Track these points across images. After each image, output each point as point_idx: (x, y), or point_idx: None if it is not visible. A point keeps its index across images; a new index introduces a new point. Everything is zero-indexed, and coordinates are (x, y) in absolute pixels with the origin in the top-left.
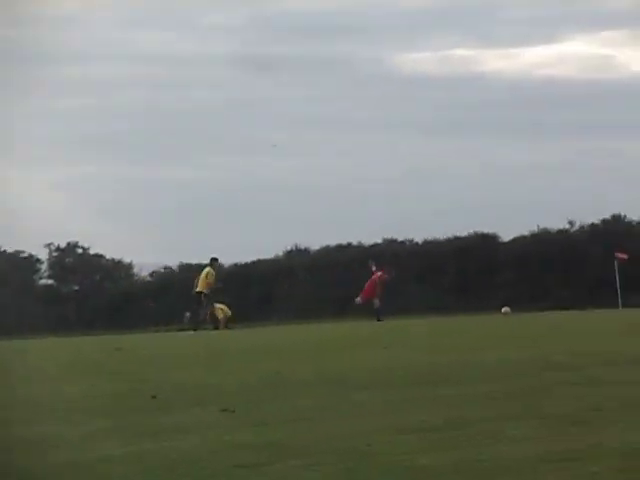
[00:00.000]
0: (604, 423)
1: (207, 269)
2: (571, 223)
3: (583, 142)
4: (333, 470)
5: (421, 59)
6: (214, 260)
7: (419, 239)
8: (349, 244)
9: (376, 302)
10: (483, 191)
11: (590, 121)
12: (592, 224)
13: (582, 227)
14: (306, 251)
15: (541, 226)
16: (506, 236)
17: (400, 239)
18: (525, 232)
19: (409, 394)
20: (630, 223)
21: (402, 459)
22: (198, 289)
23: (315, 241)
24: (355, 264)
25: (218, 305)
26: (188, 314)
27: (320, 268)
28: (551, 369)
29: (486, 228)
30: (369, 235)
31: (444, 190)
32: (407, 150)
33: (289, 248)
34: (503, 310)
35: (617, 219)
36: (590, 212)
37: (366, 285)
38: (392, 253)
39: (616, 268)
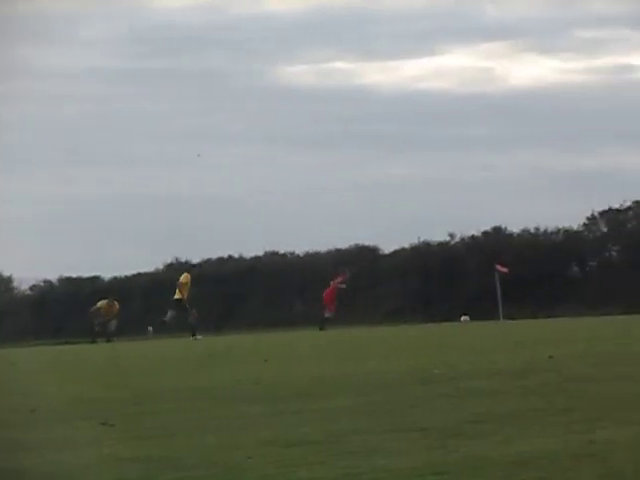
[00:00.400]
0: (483, 435)
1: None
2: (451, 235)
3: (460, 155)
4: None
5: (300, 72)
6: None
7: (300, 251)
8: (230, 257)
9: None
10: (364, 204)
11: (466, 134)
12: (472, 236)
13: (462, 239)
14: (186, 264)
15: (422, 238)
16: (387, 248)
17: (281, 252)
18: (405, 244)
19: (290, 407)
20: (510, 235)
21: (282, 472)
22: (177, 296)
23: (196, 254)
24: (236, 277)
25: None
26: (150, 328)
27: (200, 281)
28: (430, 381)
29: (367, 240)
30: (250, 248)
31: (324, 202)
32: (286, 163)
33: (169, 261)
34: (462, 319)
35: (497, 231)
36: (470, 224)
37: (325, 294)
38: (273, 265)
39: (497, 280)
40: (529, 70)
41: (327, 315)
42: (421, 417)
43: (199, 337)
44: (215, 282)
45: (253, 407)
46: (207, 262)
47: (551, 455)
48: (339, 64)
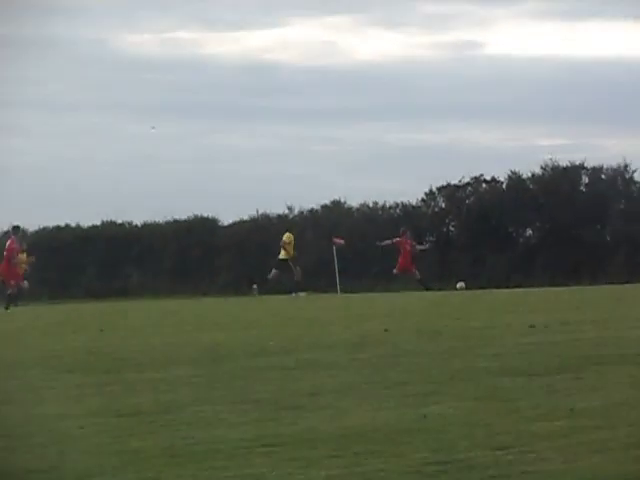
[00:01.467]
0: (317, 408)
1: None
2: (290, 208)
3: (302, 128)
4: (42, 452)
5: (142, 41)
6: (16, 228)
7: (138, 221)
8: (67, 225)
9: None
10: (203, 174)
11: (309, 107)
12: (311, 209)
13: (301, 212)
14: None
15: (260, 211)
16: (226, 220)
17: (119, 221)
18: (245, 216)
19: (124, 377)
20: (350, 209)
21: (114, 442)
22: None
23: (32, 222)
24: (73, 246)
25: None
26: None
27: (37, 250)
28: (265, 353)
29: (206, 212)
30: (87, 217)
31: (164, 172)
32: (129, 133)
33: (5, 229)
34: (458, 285)
35: (336, 204)
36: (309, 197)
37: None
38: (110, 236)
39: (334, 253)
40: (374, 44)
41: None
42: (256, 389)
43: (301, 294)
44: (51, 251)
45: (87, 377)
46: (43, 230)
47: (385, 428)
48: (182, 34)
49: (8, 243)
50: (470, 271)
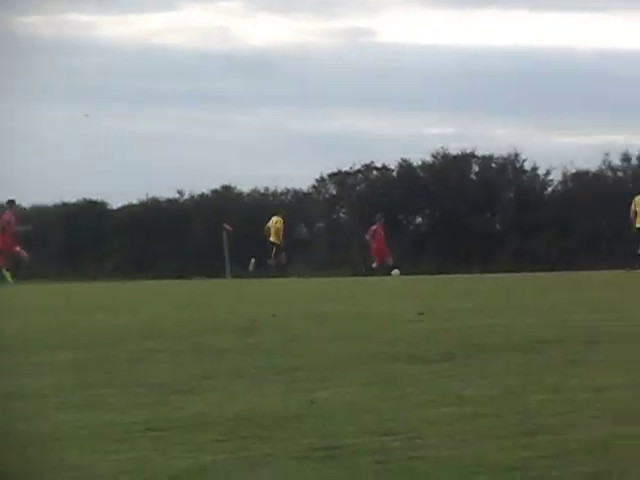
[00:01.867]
0: (207, 392)
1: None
2: (180, 192)
3: (193, 113)
4: None
5: (34, 23)
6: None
7: (27, 204)
8: None
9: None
10: (93, 157)
11: (201, 92)
12: (202, 194)
13: (192, 197)
14: None
15: (150, 195)
16: (115, 204)
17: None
18: (134, 200)
19: (10, 360)
20: (240, 194)
21: None
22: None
23: None
24: None
25: None
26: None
27: None
28: (155, 337)
29: (95, 195)
30: None
31: (53, 156)
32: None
33: None
34: (393, 272)
35: (227, 189)
36: (200, 182)
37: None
38: None
39: (224, 238)
40: (266, 30)
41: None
42: (146, 373)
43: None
44: None
45: None
46: None
47: (273, 413)
48: (74, 16)
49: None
50: (360, 258)
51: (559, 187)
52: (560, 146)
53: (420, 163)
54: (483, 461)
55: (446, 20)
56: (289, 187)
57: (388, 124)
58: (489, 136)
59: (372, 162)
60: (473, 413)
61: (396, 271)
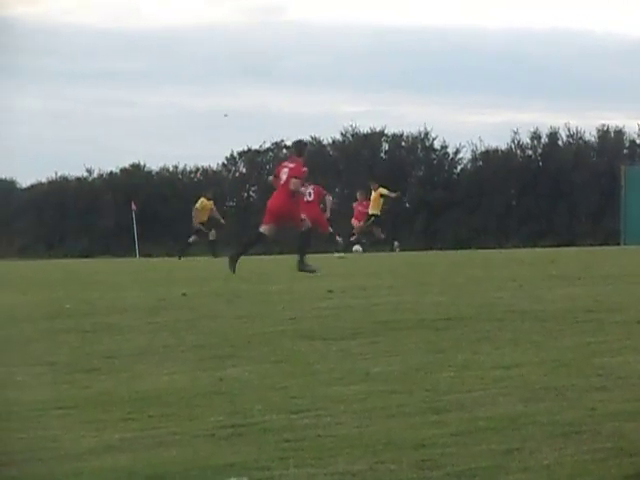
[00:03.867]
0: (113, 371)
1: None
2: (89, 171)
3: (102, 91)
4: None
5: None
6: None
7: None
8: None
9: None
10: (1, 137)
11: (110, 70)
12: (111, 173)
13: (101, 175)
14: None
15: (59, 173)
16: (24, 182)
17: None
18: (43, 179)
19: None
20: (149, 172)
21: None
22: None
23: None
24: None
25: None
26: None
27: None
28: (61, 316)
29: (3, 173)
30: None
31: None
32: None
33: None
34: (395, 244)
35: (136, 168)
36: (109, 161)
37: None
38: None
39: (133, 217)
40: (177, 8)
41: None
42: (50, 351)
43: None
44: None
45: None
46: None
47: (180, 392)
48: None
49: None
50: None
51: (468, 165)
52: (470, 124)
53: (330, 141)
54: (392, 438)
55: None
56: (198, 165)
57: (300, 102)
58: (401, 114)
59: (282, 140)
60: (382, 390)
61: (397, 243)
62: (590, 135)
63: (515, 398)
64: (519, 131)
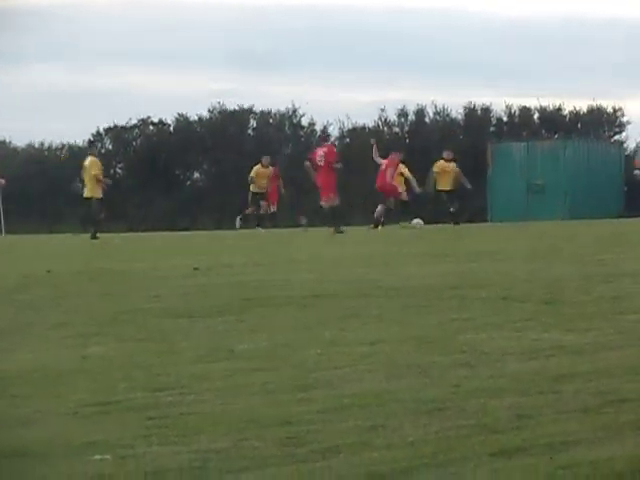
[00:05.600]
0: None
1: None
2: None
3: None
4: None
5: None
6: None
7: None
8: None
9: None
10: None
11: None
12: None
13: None
14: None
15: None
16: None
17: None
18: None
19: None
20: (15, 149)
21: None
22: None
23: None
24: None
25: None
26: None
27: None
28: None
29: None
30: None
31: None
32: None
33: None
34: (414, 222)
35: (2, 145)
36: None
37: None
38: None
39: None
40: None
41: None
42: None
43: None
44: None
45: None
46: None
47: (44, 370)
48: None
49: None
50: (137, 213)
51: (336, 142)
52: (338, 102)
53: (197, 118)
54: (256, 416)
55: None
56: (64, 141)
57: (171, 80)
58: (270, 92)
59: (149, 117)
60: (247, 368)
61: (418, 220)
62: (457, 113)
63: (381, 375)
64: (386, 108)
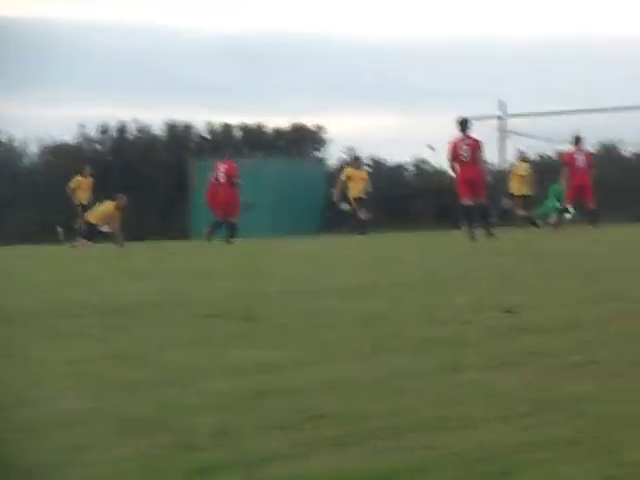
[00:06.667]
0: None
1: None
2: None
3: None
4: None
5: None
6: None
7: None
8: None
9: None
10: None
11: None
12: None
13: None
14: None
15: None
16: None
17: None
18: None
19: None
20: None
21: None
22: None
23: None
24: None
25: None
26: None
27: None
28: None
29: None
30: None
31: None
32: None
33: None
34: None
35: None
36: None
37: None
38: None
39: None
40: None
41: None
42: None
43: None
44: None
45: None
46: None
47: None
48: None
49: None
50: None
51: (36, 159)
52: (37, 118)
53: None
54: None
55: None
56: None
57: None
58: None
59: None
60: None
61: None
62: (159, 129)
63: (84, 393)
64: (86, 124)
